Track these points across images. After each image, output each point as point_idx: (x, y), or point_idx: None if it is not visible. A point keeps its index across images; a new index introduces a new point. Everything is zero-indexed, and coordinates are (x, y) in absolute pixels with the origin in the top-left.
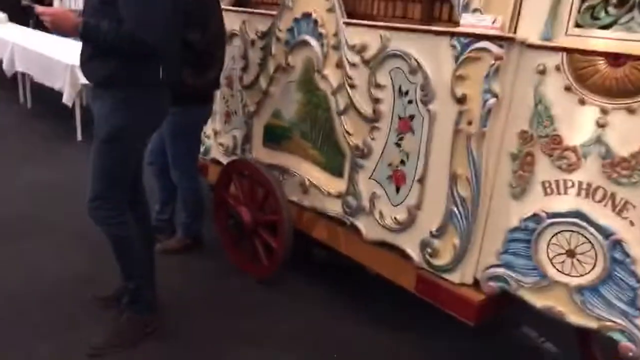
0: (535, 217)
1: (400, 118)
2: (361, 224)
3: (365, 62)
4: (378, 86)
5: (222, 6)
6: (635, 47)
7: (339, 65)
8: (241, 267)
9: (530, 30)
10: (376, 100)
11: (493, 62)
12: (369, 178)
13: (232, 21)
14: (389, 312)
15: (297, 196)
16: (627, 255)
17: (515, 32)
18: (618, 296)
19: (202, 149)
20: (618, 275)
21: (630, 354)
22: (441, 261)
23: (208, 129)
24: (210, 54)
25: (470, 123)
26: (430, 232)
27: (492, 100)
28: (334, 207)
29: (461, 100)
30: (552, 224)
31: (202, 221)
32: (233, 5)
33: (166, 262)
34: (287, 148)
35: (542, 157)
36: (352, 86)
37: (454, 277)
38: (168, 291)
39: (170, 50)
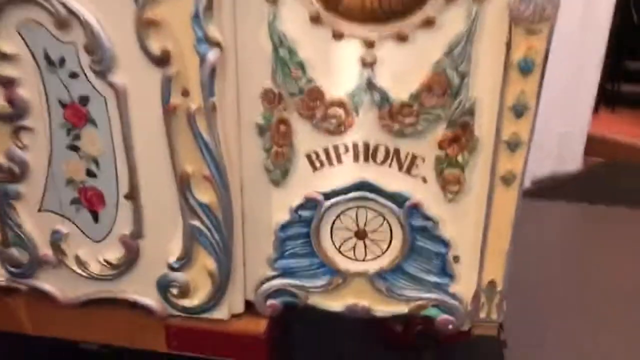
0: (308, 203)
1: (63, 105)
2: (49, 284)
3: None
4: (4, 57)
5: None
6: None
7: None
8: None
9: None
10: (7, 83)
11: None
12: (39, 211)
13: None
14: None
15: None
16: (428, 218)
17: None
18: (426, 268)
19: None
20: (421, 244)
21: (450, 326)
22: (197, 299)
23: None
24: None
25: (186, 93)
26: (169, 266)
27: (213, 53)
28: None
29: (162, 60)
30: (332, 205)
31: None
32: None
33: None
34: None
35: (301, 121)
36: None
37: (221, 312)
38: None
39: None
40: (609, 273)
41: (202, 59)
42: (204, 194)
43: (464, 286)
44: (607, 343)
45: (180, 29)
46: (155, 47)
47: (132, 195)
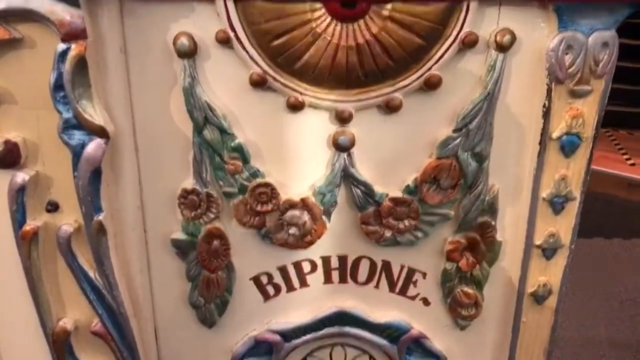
0: (260, 347)
1: None
2: None
3: None
4: None
5: None
6: None
7: None
8: None
9: None
10: None
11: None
12: None
13: None
14: None
15: None
16: (432, 354)
17: None
18: None
19: None
20: None
21: None
22: None
23: None
24: None
25: (54, 208)
26: None
27: (94, 145)
28: None
29: (8, 158)
30: (295, 348)
31: None
32: None
33: None
34: None
35: (243, 233)
36: None
37: None
38: None
39: None
40: None
41: (76, 154)
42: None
43: None
44: None
45: (33, 109)
46: None
47: None
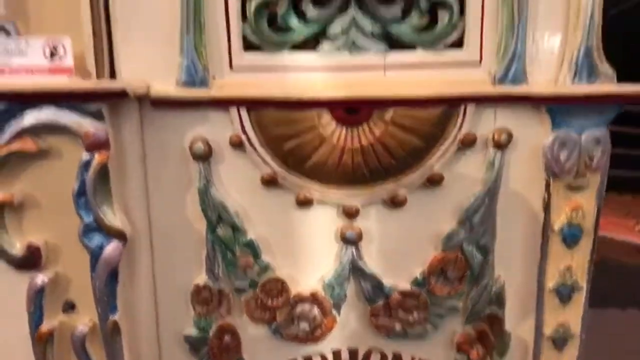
0: None
1: None
2: None
3: None
4: None
5: None
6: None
7: None
8: None
9: (150, 71)
10: None
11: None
12: None
13: None
14: None
15: None
16: None
17: (113, 76)
18: None
19: None
20: None
21: None
22: None
23: None
24: None
25: (70, 307)
26: None
27: (112, 247)
28: None
29: (29, 261)
30: None
31: None
32: None
33: None
34: None
35: (254, 327)
36: None
37: None
38: None
39: None
40: None
41: (94, 256)
42: None
43: None
44: None
45: (56, 213)
46: (17, 242)
47: None
